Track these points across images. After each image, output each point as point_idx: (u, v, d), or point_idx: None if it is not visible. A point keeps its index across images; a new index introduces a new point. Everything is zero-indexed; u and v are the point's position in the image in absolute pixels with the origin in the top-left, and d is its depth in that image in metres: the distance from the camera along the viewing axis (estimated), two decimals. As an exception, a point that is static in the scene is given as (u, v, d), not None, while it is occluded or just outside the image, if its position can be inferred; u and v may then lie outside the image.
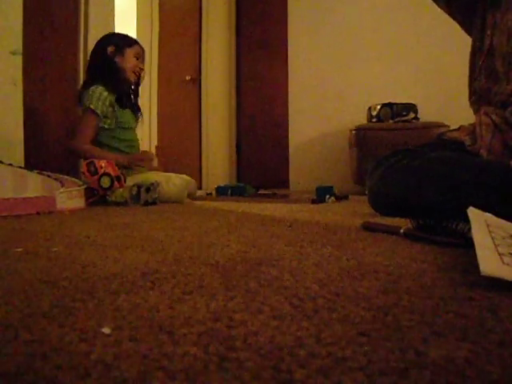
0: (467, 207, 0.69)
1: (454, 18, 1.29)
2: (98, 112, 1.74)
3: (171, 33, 3.40)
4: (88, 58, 2.01)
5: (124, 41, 1.87)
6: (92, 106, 1.72)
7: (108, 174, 1.53)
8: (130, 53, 1.85)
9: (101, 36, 1.92)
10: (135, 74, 1.89)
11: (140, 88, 2.01)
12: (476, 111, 1.22)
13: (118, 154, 1.82)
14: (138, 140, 2.00)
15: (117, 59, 1.83)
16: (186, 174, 2.00)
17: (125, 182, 1.59)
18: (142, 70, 1.93)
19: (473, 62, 1.22)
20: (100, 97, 1.74)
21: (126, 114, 1.88)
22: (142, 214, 1.21)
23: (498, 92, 1.13)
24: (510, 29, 1.10)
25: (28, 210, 1.18)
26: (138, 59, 1.89)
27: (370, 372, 0.24)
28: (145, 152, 2.08)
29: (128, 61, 1.85)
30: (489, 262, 0.43)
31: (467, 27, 1.25)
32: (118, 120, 1.83)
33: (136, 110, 1.97)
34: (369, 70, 3.00)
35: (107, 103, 1.76)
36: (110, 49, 1.83)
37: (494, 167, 1.01)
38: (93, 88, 1.75)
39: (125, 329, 0.31)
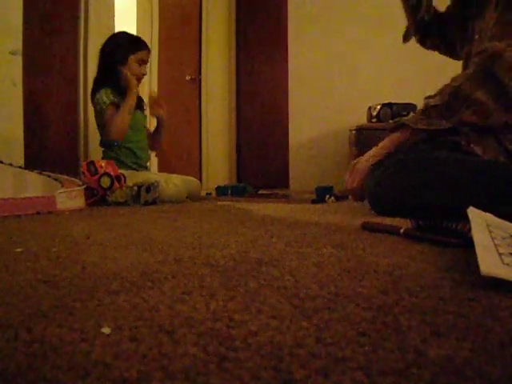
0: (467, 207, 0.69)
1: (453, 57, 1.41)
2: (116, 102, 1.81)
3: (171, 33, 3.40)
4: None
5: (128, 47, 1.87)
6: (108, 101, 1.80)
7: (108, 174, 1.53)
8: (132, 60, 1.87)
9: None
10: (137, 79, 1.92)
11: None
12: None
13: (131, 155, 1.89)
14: (146, 140, 2.03)
15: (120, 67, 1.86)
16: (186, 174, 2.00)
17: (125, 182, 1.59)
18: (145, 75, 1.95)
19: (465, 65, 1.23)
20: (109, 96, 1.81)
21: (136, 115, 1.92)
22: (142, 214, 1.21)
23: None
24: (493, 31, 1.11)
25: (28, 210, 1.18)
26: (141, 65, 1.91)
27: (370, 372, 0.24)
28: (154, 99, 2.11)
29: (131, 69, 1.87)
30: (489, 262, 0.42)
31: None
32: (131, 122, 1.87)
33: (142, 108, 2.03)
34: (369, 70, 3.00)
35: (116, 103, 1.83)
36: (115, 57, 1.85)
37: (494, 167, 1.01)
38: (101, 93, 1.81)
39: (125, 329, 0.31)
